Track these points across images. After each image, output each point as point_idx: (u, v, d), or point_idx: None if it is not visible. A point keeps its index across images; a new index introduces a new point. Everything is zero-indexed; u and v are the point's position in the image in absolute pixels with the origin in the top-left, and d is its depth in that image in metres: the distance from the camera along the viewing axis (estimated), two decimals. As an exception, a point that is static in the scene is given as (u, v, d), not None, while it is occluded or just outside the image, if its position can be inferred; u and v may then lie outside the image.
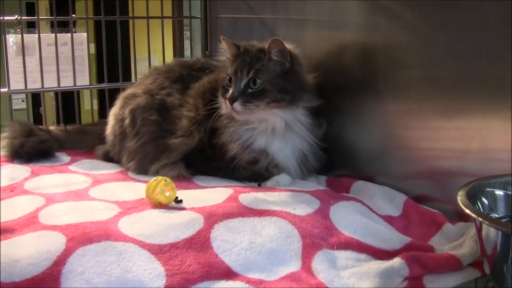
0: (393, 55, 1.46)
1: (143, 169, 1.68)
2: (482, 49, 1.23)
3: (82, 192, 1.47)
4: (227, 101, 1.46)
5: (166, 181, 1.34)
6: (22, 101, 2.62)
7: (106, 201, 1.38)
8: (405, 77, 1.43)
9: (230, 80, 1.50)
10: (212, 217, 1.21)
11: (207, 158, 1.61)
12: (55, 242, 1.06)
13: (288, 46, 1.51)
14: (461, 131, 1.29)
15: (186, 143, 1.62)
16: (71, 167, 1.77)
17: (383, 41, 1.49)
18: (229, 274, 1.04)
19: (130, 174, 1.71)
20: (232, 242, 1.12)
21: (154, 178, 1.35)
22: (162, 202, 1.31)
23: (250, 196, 1.34)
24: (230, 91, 1.47)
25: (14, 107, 2.05)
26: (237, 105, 1.45)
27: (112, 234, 1.10)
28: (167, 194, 1.32)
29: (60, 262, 1.00)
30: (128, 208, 1.31)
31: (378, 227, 1.25)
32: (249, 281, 1.02)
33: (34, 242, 1.07)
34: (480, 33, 1.22)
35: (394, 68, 1.46)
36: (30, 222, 1.19)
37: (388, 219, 1.34)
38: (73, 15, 2.17)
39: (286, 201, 1.33)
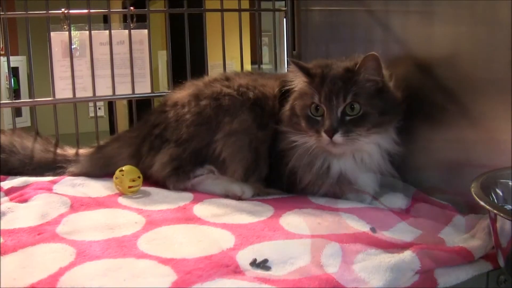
0: None
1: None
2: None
3: (128, 241, 1.12)
4: (324, 134, 1.33)
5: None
6: (99, 108, 2.39)
7: (158, 259, 1.03)
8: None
9: (316, 108, 1.37)
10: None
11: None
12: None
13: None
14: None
15: None
16: (121, 200, 1.43)
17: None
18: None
19: (195, 211, 1.33)
20: None
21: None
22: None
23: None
24: (326, 122, 1.34)
25: (91, 114, 1.83)
26: (338, 137, 1.32)
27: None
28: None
29: None
30: (187, 272, 0.96)
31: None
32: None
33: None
34: None
35: None
36: (46, 292, 0.90)
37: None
38: (131, 8, 1.82)
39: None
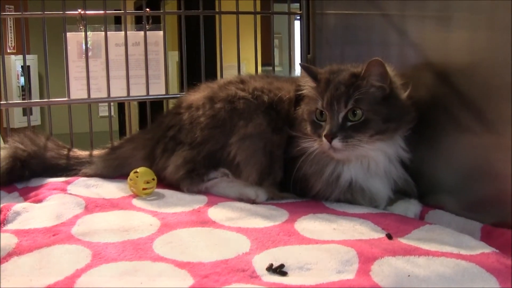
0: None
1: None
2: None
3: (144, 244, 1.11)
4: (324, 139, 1.32)
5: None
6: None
7: (174, 262, 1.02)
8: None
9: (321, 113, 1.37)
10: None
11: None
12: None
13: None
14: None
15: None
16: (136, 202, 1.41)
17: None
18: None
19: (210, 214, 1.32)
20: None
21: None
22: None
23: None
24: (327, 127, 1.33)
25: (100, 114, 1.80)
26: (336, 142, 1.31)
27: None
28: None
29: None
30: (204, 276, 0.95)
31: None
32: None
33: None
34: None
35: None
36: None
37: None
38: (147, 9, 1.80)
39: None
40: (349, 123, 1.32)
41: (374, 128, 1.32)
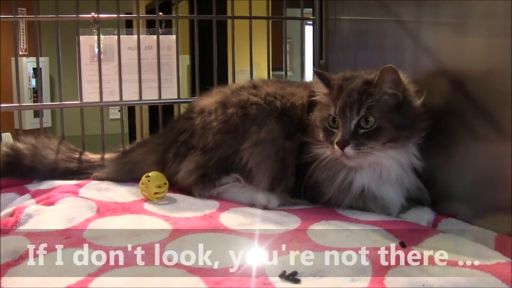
0: None
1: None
2: None
3: (156, 249, 1.09)
4: (336, 146, 1.32)
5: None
6: (119, 110, 2.37)
7: (186, 268, 1.02)
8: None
9: (333, 120, 1.36)
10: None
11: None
12: None
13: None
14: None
15: None
16: (147, 206, 1.41)
17: None
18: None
19: (222, 219, 1.31)
20: None
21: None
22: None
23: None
24: (339, 134, 1.32)
25: (111, 116, 1.79)
26: (349, 149, 1.30)
27: None
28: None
29: None
30: (216, 282, 0.96)
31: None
32: None
33: None
34: None
35: None
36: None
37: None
38: (160, 13, 1.80)
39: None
40: (362, 131, 1.31)
41: (386, 136, 1.31)
